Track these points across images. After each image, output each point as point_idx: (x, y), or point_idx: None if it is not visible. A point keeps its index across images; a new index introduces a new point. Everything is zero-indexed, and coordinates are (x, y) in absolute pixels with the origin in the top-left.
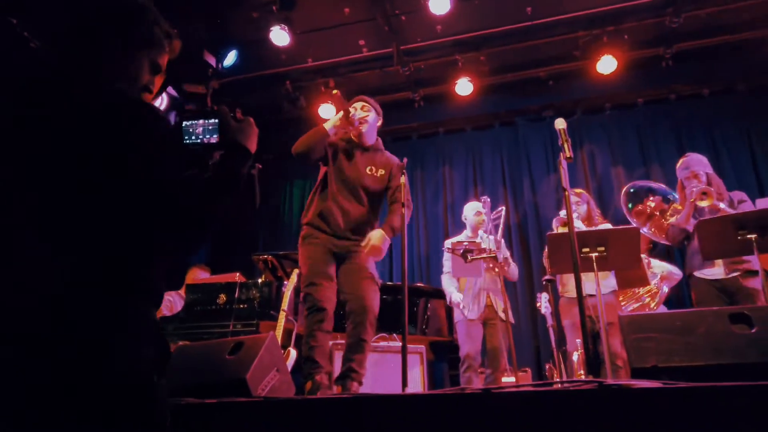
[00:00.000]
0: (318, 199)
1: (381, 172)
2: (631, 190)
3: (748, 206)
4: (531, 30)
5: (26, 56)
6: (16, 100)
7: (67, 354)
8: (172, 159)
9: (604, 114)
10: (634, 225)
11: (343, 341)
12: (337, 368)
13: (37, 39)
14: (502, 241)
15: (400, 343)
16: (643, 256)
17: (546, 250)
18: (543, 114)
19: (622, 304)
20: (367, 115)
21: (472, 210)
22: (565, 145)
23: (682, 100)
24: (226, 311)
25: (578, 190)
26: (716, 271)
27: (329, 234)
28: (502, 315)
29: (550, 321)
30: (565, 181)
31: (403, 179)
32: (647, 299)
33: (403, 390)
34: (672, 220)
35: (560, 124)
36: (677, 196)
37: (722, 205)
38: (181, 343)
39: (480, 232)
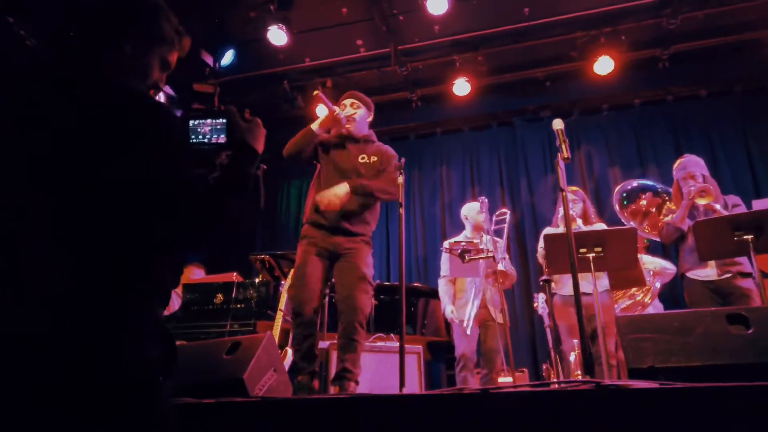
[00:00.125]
0: (314, 195)
1: (374, 158)
2: (624, 195)
3: (742, 210)
4: (529, 30)
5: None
6: (20, 99)
7: (67, 354)
8: (181, 158)
9: (601, 115)
10: (631, 225)
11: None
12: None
13: (33, 38)
14: (501, 242)
15: (398, 344)
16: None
17: (539, 245)
18: (540, 114)
19: (616, 301)
20: (355, 112)
21: (474, 209)
22: (563, 146)
23: (679, 101)
24: (224, 311)
25: (573, 188)
26: (709, 272)
27: (325, 228)
28: (498, 316)
29: (547, 321)
30: (563, 182)
31: (401, 179)
32: (639, 296)
33: (401, 390)
34: (667, 218)
35: (558, 124)
36: (670, 191)
37: (717, 207)
38: (178, 342)
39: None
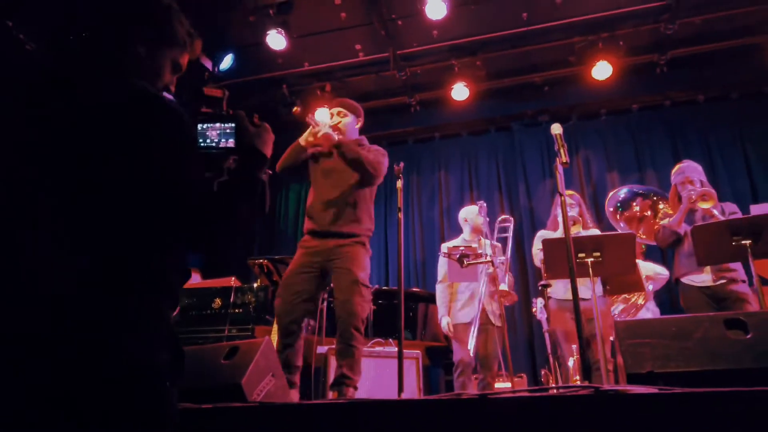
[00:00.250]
0: (308, 203)
1: None
2: (618, 204)
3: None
4: (527, 35)
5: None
6: (24, 98)
7: (67, 354)
8: (188, 159)
9: (599, 119)
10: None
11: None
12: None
13: (33, 41)
14: (500, 247)
15: (396, 349)
16: None
17: (535, 246)
18: (539, 119)
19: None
20: (341, 120)
21: (473, 212)
22: (561, 150)
23: (677, 106)
24: (222, 316)
25: (569, 192)
26: (705, 277)
27: (318, 233)
28: (496, 321)
29: (545, 326)
30: (561, 186)
31: (399, 184)
32: (633, 298)
33: (399, 395)
34: (664, 221)
35: (556, 129)
36: (660, 192)
37: (716, 212)
38: None
39: (480, 236)
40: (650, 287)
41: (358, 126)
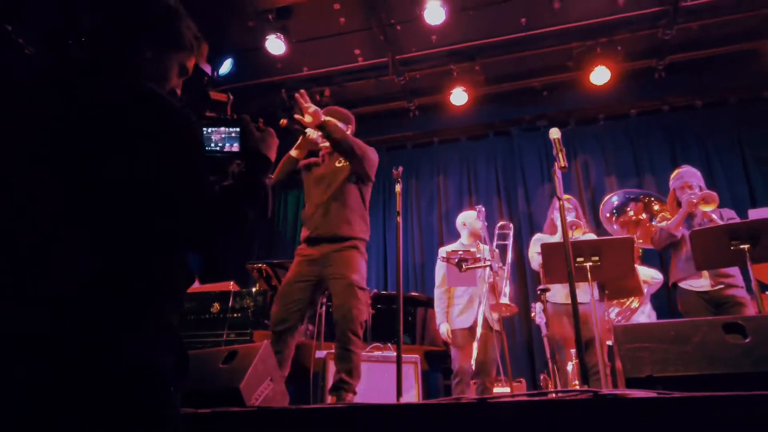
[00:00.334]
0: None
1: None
2: (614, 210)
3: None
4: (525, 41)
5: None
6: (28, 99)
7: (67, 354)
8: (198, 162)
9: (597, 124)
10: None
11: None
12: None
13: (32, 46)
14: (499, 252)
15: (395, 353)
16: None
17: (531, 249)
18: (537, 124)
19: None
20: None
21: (471, 216)
22: (560, 155)
23: (675, 111)
24: (220, 320)
25: (566, 197)
26: (703, 282)
27: (312, 240)
28: (495, 325)
29: (544, 331)
30: (560, 191)
31: (398, 188)
32: (627, 301)
33: (398, 400)
34: (662, 224)
35: (555, 133)
36: (651, 194)
37: (714, 216)
38: None
39: (479, 241)
40: (645, 290)
41: (348, 133)
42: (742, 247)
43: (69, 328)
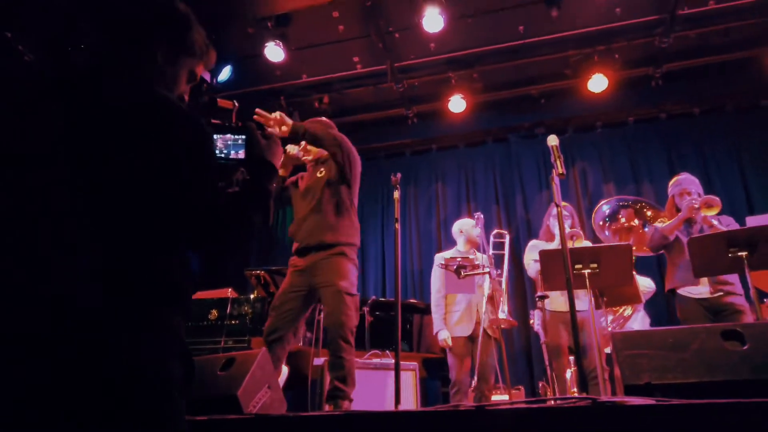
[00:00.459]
0: None
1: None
2: (606, 218)
3: None
4: (523, 48)
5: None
6: (32, 101)
7: (67, 354)
8: (207, 167)
9: (595, 132)
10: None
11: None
12: None
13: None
14: (494, 256)
15: (393, 360)
16: None
17: (527, 257)
18: (535, 131)
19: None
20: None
21: (468, 224)
22: (558, 162)
23: (673, 118)
24: (218, 327)
25: (562, 203)
26: (702, 289)
27: (300, 251)
28: (493, 333)
29: (543, 338)
30: (558, 198)
31: (396, 194)
32: (621, 308)
33: (396, 407)
34: (661, 225)
35: (553, 140)
36: (640, 200)
37: (715, 222)
38: None
39: (476, 248)
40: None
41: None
42: (740, 254)
43: (69, 328)
